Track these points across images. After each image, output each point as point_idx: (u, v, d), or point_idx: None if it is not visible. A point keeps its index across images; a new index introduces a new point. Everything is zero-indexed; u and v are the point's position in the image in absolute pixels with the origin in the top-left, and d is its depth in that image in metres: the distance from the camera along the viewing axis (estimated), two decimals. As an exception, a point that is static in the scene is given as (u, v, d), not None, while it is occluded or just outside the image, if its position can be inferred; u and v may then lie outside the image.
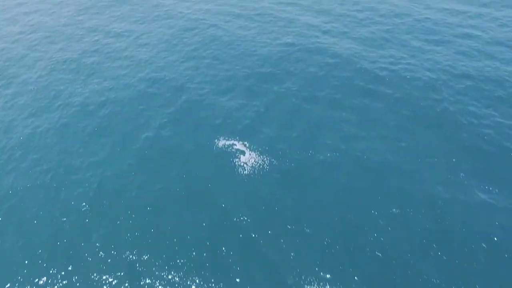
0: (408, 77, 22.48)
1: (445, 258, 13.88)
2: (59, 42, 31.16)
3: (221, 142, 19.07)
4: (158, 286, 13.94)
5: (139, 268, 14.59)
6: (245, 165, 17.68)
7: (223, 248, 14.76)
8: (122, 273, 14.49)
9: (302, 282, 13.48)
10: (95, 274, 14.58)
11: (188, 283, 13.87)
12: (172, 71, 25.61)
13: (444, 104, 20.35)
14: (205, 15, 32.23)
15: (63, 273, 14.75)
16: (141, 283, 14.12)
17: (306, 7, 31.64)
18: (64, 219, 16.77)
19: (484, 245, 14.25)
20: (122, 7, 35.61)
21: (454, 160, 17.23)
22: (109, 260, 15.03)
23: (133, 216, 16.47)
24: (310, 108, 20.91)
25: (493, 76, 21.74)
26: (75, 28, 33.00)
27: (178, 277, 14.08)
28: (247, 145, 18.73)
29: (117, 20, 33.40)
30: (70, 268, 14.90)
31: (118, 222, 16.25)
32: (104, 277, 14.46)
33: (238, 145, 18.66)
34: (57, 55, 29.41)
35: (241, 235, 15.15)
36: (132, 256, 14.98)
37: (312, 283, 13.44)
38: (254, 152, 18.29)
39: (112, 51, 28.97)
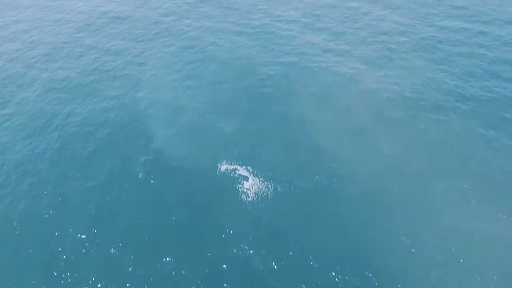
0: (413, 97, 22.06)
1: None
2: (58, 60, 30.73)
3: (224, 167, 18.50)
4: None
5: (138, 303, 13.97)
6: (248, 192, 17.11)
7: (226, 284, 14.11)
8: (120, 309, 13.86)
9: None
10: (91, 310, 13.97)
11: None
12: (172, 90, 25.15)
13: (452, 126, 19.88)
14: (206, 33, 31.90)
15: (58, 308, 14.11)
16: (140, 320, 13.49)
17: (308, 24, 31.36)
18: (60, 248, 16.12)
19: (495, 277, 13.69)
20: (122, 24, 35.28)
21: (465, 185, 16.70)
22: (106, 294, 14.41)
23: (132, 246, 15.84)
24: (314, 130, 20.40)
25: (500, 97, 21.32)
26: (75, 46, 32.60)
27: (179, 313, 13.46)
28: (250, 170, 18.16)
29: (116, 38, 33.03)
30: (65, 302, 14.28)
31: (116, 253, 15.61)
32: (101, 313, 13.85)
33: (241, 170, 18.08)
34: (55, 73, 28.94)
35: (244, 268, 14.52)
36: (131, 290, 14.36)
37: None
38: (258, 177, 17.72)
39: (112, 69, 28.53)
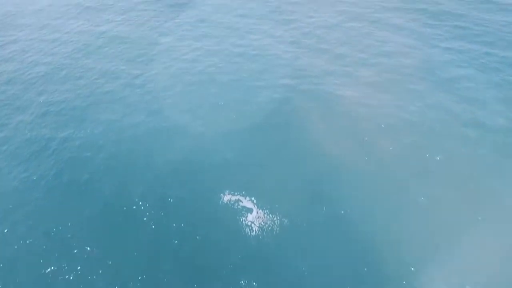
0: (419, 123, 21.49)
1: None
2: (56, 82, 30.19)
3: (226, 197, 17.77)
4: None
5: None
6: (252, 225, 16.36)
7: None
8: None
9: None
10: None
11: None
12: (172, 114, 24.55)
13: (460, 154, 19.26)
14: (206, 53, 31.45)
15: None
16: None
17: (309, 46, 30.95)
18: (55, 286, 15.33)
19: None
20: (121, 44, 34.85)
21: (479, 218, 16.01)
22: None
23: (129, 283, 15.04)
24: (319, 158, 19.72)
25: (510, 122, 20.77)
26: (74, 67, 32.07)
27: None
28: (255, 201, 17.41)
29: (116, 58, 32.55)
30: None
31: (114, 292, 14.85)
32: None
33: (245, 202, 17.33)
34: (53, 95, 28.38)
35: (250, 310, 13.78)
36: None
37: None
38: (262, 209, 16.97)
39: (110, 91, 27.98)
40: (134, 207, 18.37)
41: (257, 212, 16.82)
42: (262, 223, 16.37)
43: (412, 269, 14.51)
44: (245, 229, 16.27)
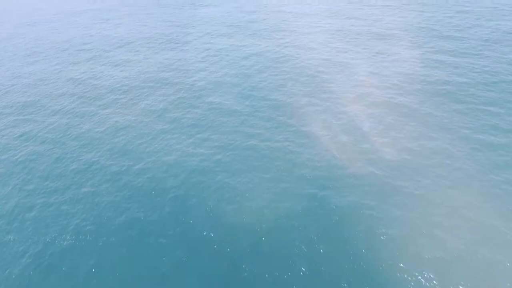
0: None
1: None
2: (41, 175, 26.99)
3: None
4: None
5: None
6: None
7: None
8: None
9: None
10: None
11: None
12: (169, 216, 21.56)
13: None
14: (206, 143, 29.08)
15: None
16: None
17: (320, 136, 28.92)
18: None
19: None
20: (113, 129, 32.33)
21: None
22: None
23: None
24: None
25: None
26: (62, 156, 29.17)
27: None
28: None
29: (108, 144, 29.88)
30: None
31: None
32: None
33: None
34: (37, 192, 25.17)
35: None
36: None
37: None
38: None
39: (103, 183, 25.13)
40: None
41: None
42: None
43: None
44: None
